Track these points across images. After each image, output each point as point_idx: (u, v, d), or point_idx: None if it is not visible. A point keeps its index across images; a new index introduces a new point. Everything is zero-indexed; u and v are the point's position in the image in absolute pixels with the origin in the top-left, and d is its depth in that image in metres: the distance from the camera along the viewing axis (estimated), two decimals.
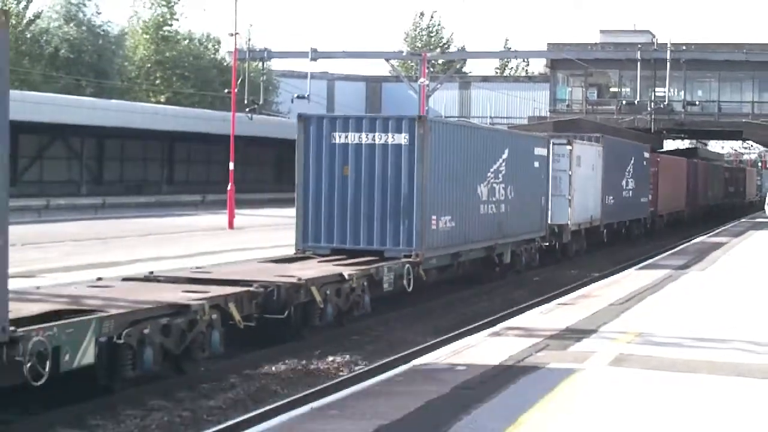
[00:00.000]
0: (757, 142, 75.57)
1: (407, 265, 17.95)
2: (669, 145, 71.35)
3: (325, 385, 12.12)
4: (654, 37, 63.06)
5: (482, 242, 21.70)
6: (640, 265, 25.95)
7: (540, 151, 25.78)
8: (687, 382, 10.51)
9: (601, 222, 32.15)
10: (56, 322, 10.33)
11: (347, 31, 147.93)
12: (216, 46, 63.51)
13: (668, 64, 57.85)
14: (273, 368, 13.68)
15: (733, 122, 57.88)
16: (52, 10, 52.32)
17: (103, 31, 54.34)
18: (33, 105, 36.92)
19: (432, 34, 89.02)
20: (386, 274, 17.41)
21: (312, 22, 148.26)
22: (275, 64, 65.81)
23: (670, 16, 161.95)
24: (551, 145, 27.16)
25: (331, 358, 14.40)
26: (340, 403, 9.58)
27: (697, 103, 59.45)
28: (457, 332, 16.08)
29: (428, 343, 15.05)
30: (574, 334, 13.57)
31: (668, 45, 58.83)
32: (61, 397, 10.80)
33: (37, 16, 52.15)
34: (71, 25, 51.68)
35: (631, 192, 36.66)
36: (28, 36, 50.74)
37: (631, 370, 11.00)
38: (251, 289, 13.79)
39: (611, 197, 33.37)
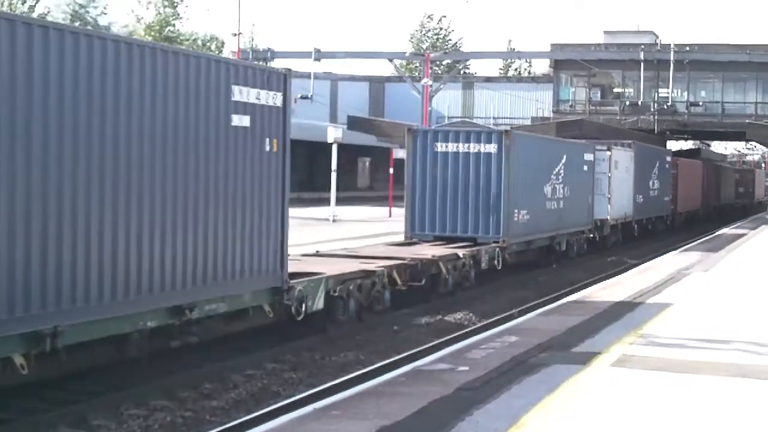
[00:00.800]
0: (760, 143, 75.52)
1: (497, 249, 22.09)
2: (671, 146, 71.28)
3: (327, 385, 12.12)
4: (657, 37, 62.95)
5: (547, 232, 26.04)
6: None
7: (588, 156, 30.11)
8: (690, 382, 10.49)
9: (633, 218, 36.18)
10: (304, 279, 14.29)
11: (350, 32, 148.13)
12: (219, 47, 63.55)
13: (671, 64, 57.79)
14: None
15: (737, 123, 57.83)
16: (59, 10, 52.47)
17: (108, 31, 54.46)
18: None
19: (439, 37, 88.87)
20: (484, 255, 21.50)
21: (315, 22, 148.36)
22: (278, 64, 65.77)
23: (673, 17, 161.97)
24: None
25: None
26: (343, 403, 9.57)
27: (700, 103, 59.40)
28: (459, 333, 16.16)
29: (431, 344, 15.08)
30: (577, 334, 13.57)
31: (671, 46, 58.76)
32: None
33: (43, 16, 52.27)
34: (77, 25, 51.80)
35: (656, 192, 40.84)
36: None
37: (634, 371, 10.98)
38: (405, 262, 18.28)
39: (641, 196, 37.35)
